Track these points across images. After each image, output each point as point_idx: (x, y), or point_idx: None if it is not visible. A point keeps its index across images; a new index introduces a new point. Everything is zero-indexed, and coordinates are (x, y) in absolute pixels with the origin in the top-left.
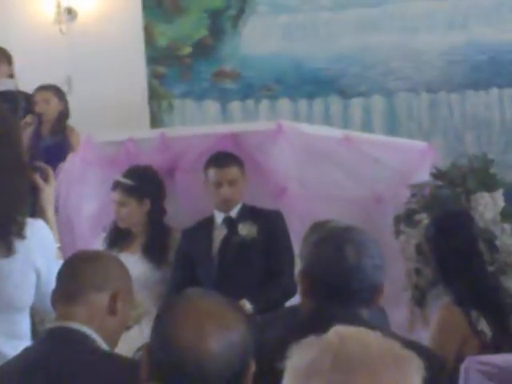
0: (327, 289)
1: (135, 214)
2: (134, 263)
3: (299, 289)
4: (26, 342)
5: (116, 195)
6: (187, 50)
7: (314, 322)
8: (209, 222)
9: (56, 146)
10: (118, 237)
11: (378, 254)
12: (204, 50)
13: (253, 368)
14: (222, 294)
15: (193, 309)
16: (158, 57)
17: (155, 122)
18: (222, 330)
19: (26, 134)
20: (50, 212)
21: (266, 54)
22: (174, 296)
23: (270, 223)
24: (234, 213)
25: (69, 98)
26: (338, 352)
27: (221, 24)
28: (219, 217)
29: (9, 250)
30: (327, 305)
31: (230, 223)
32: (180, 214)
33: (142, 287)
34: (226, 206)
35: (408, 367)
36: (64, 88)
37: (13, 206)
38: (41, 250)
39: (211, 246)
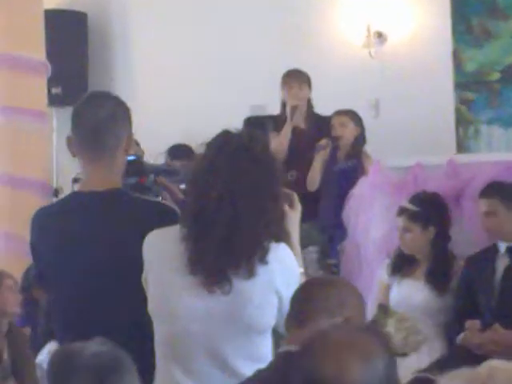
0: None
1: (419, 240)
2: (417, 290)
3: None
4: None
5: (401, 221)
6: (496, 75)
7: None
8: (493, 250)
9: (349, 170)
10: (402, 263)
11: None
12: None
13: None
14: (500, 323)
15: (332, 341)
16: (465, 82)
17: (461, 147)
18: (363, 360)
19: (320, 158)
20: (295, 237)
21: None
22: (319, 330)
23: None
24: None
25: (375, 121)
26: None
27: None
28: (502, 246)
29: (250, 273)
30: None
31: None
32: (465, 241)
33: (423, 314)
34: (490, 236)
35: None
36: (371, 111)
37: (262, 231)
38: (282, 273)
39: (494, 275)
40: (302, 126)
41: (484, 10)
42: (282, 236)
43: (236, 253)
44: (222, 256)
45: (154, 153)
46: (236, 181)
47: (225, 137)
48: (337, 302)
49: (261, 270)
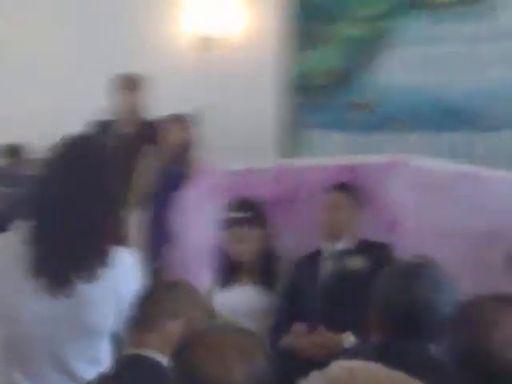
0: (395, 323)
1: (244, 244)
2: (242, 294)
3: (369, 322)
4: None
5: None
6: (322, 80)
7: (382, 356)
8: (317, 253)
9: (176, 174)
10: (227, 267)
11: (449, 289)
12: (339, 81)
13: None
14: (326, 325)
15: (214, 341)
16: (291, 87)
17: (287, 152)
18: (244, 361)
19: (147, 162)
20: (135, 240)
21: (402, 86)
22: (196, 331)
23: (378, 256)
24: (342, 245)
25: (202, 127)
26: None
27: (357, 55)
28: (327, 248)
29: (92, 276)
30: (395, 339)
31: (338, 255)
32: (293, 245)
33: (248, 318)
34: (328, 232)
35: None
36: (196, 117)
37: (103, 234)
38: (124, 277)
39: (318, 278)
40: (129, 130)
41: (312, 15)
42: (123, 239)
43: (78, 256)
44: (64, 260)
45: None
46: (75, 185)
47: (64, 142)
48: (179, 303)
49: (103, 274)
